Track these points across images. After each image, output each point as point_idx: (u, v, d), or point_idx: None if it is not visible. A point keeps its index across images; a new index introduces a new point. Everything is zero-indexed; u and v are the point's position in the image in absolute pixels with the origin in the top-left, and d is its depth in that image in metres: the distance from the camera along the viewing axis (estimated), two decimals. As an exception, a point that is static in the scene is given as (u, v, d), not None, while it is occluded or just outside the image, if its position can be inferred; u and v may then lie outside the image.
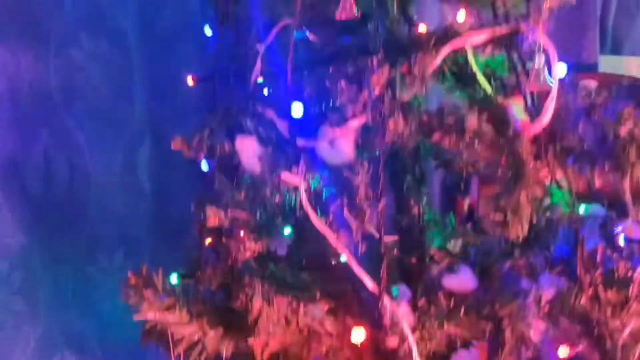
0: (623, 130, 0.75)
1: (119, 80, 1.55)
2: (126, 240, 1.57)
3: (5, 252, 1.45)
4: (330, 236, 0.82)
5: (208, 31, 1.18)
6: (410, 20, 0.96)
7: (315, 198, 0.83)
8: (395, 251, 0.99)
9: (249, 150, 0.87)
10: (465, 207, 1.40)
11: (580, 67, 2.38)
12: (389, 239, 1.01)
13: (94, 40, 1.52)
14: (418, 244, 1.11)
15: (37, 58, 1.46)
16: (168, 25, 1.62)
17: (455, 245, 1.12)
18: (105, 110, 1.54)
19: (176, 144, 0.98)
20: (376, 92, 0.80)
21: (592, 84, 2.35)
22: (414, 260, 1.10)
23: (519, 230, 0.76)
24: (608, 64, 2.47)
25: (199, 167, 1.38)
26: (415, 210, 1.11)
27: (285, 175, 0.84)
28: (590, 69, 2.40)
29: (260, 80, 1.02)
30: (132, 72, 1.57)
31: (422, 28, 0.94)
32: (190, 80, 1.21)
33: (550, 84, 0.82)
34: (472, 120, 0.78)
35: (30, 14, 1.45)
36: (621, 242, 0.87)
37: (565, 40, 2.35)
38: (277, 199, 0.86)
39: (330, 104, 0.87)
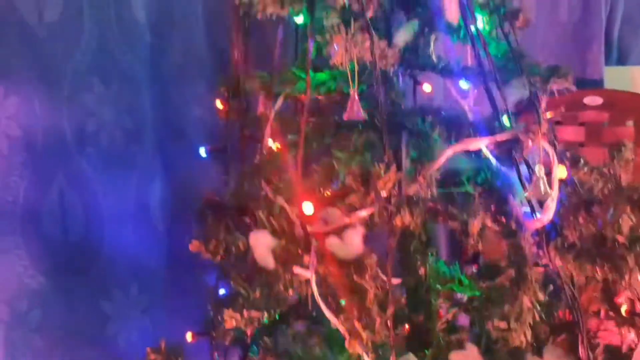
0: (621, 238, 0.79)
1: (130, 121, 1.59)
2: (140, 276, 1.62)
3: (24, 292, 1.50)
4: (343, 330, 0.86)
5: (219, 104, 1.22)
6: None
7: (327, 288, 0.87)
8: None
9: (262, 245, 0.91)
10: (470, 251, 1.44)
11: (584, 83, 2.39)
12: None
13: (105, 84, 1.55)
14: (425, 303, 1.15)
15: (51, 104, 1.50)
16: (177, 66, 1.65)
17: (462, 297, 1.16)
18: (118, 152, 1.58)
19: (194, 246, 1.02)
20: (384, 194, 0.83)
21: (596, 100, 2.37)
22: (421, 318, 1.14)
23: (522, 337, 0.80)
24: (614, 75, 2.47)
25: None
26: (422, 271, 1.15)
27: (297, 269, 0.88)
28: (595, 84, 2.41)
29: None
30: (142, 113, 1.61)
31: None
32: (203, 152, 1.25)
33: (550, 193, 0.85)
34: (476, 224, 0.82)
35: (43, 61, 1.48)
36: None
37: (569, 55, 2.36)
38: (290, 293, 0.90)
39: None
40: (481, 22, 0.98)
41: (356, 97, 0.89)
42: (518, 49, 1.01)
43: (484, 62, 0.97)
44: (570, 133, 2.11)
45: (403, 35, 1.00)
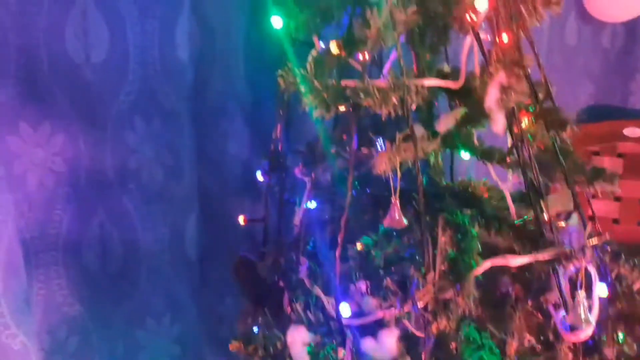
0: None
1: (169, 158, 1.63)
2: (173, 306, 1.69)
3: (63, 320, 1.57)
4: None
5: (260, 177, 1.26)
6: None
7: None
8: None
9: (299, 343, 0.95)
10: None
11: (626, 113, 2.36)
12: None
13: (146, 122, 1.59)
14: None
15: (95, 142, 1.55)
16: (217, 103, 1.68)
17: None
18: (157, 188, 1.63)
19: (233, 346, 1.07)
20: (421, 304, 0.87)
21: (637, 132, 2.32)
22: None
23: None
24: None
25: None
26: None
27: (333, 367, 0.93)
28: (637, 115, 2.36)
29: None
30: (182, 150, 1.65)
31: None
32: (241, 220, 1.29)
33: (590, 322, 0.87)
34: (514, 344, 0.85)
35: (89, 101, 1.52)
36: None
37: (611, 83, 2.33)
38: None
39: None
40: (525, 122, 1.00)
41: (397, 204, 0.92)
42: (565, 148, 1.02)
43: (527, 160, 0.98)
44: (608, 164, 2.10)
45: (447, 123, 1.03)
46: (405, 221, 0.92)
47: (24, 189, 1.48)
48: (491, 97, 0.90)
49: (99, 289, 1.60)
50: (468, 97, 0.99)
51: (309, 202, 1.20)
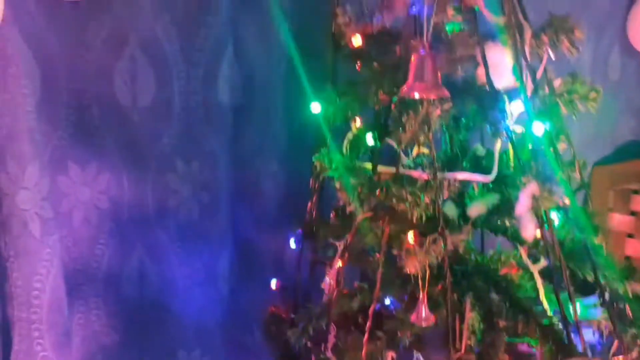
0: None
1: (206, 197, 1.70)
2: (203, 340, 1.76)
3: (99, 348, 1.66)
4: None
5: (292, 244, 1.32)
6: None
7: None
8: None
9: None
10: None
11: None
12: None
13: (186, 163, 1.66)
14: None
15: (137, 181, 1.62)
16: (254, 145, 1.75)
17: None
18: (193, 224, 1.70)
19: None
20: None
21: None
22: None
23: None
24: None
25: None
26: None
27: None
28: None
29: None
30: (218, 189, 1.72)
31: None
32: (273, 284, 1.35)
33: None
34: None
35: (134, 142, 1.60)
36: None
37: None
38: None
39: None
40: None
41: (425, 302, 0.97)
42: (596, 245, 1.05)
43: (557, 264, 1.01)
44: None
45: (478, 209, 1.07)
46: (432, 319, 0.97)
47: (69, 226, 1.56)
48: (522, 205, 0.95)
49: (135, 320, 1.68)
50: (500, 186, 1.03)
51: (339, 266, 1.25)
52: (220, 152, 1.71)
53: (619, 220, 2.19)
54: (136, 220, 1.64)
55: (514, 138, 0.97)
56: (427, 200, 0.95)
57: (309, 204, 1.38)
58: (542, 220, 0.98)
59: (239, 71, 1.70)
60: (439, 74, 0.92)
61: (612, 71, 2.22)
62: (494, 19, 0.98)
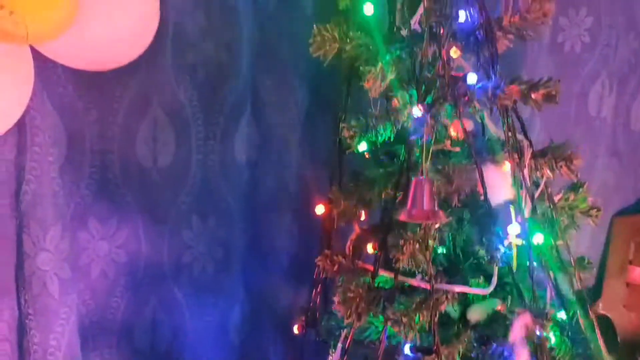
0: None
1: (220, 252, 1.76)
2: (213, 389, 1.81)
3: (111, 395, 1.71)
4: None
5: (296, 330, 1.35)
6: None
7: None
8: None
9: None
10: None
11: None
12: None
13: (202, 220, 1.72)
14: None
15: (154, 237, 1.68)
16: (269, 199, 1.80)
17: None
18: (206, 279, 1.75)
19: None
20: None
21: None
22: None
23: None
24: None
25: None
26: None
27: None
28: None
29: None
30: (232, 244, 1.77)
31: None
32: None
33: None
34: None
35: (153, 201, 1.65)
36: None
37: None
38: None
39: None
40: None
41: None
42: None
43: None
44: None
45: (478, 314, 1.10)
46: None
47: (87, 279, 1.62)
48: (515, 334, 0.98)
49: (147, 370, 1.73)
50: (501, 293, 1.07)
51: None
52: (236, 208, 1.76)
53: (639, 273, 2.19)
54: (151, 274, 1.70)
55: (511, 259, 1.00)
56: (422, 317, 0.98)
57: (313, 292, 1.42)
58: (536, 348, 1.01)
59: (256, 130, 1.75)
60: (436, 200, 0.96)
61: (634, 121, 2.24)
62: (496, 132, 1.02)
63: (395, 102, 1.13)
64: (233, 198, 1.75)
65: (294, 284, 1.83)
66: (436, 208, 0.96)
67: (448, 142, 1.03)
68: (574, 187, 1.12)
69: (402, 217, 0.97)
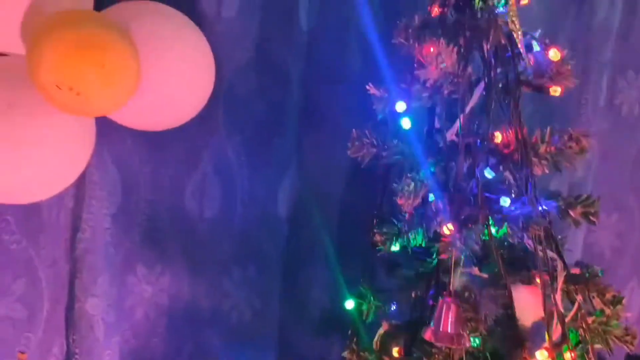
0: None
1: (258, 302, 1.82)
2: None
3: None
4: None
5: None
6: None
7: None
8: None
9: None
10: None
11: None
12: None
13: (242, 269, 1.79)
14: None
15: (195, 283, 1.76)
16: (305, 250, 1.85)
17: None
18: (243, 327, 1.82)
19: None
20: None
21: None
22: None
23: None
24: None
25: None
26: None
27: None
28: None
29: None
30: (270, 295, 1.83)
31: None
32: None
33: None
34: None
35: (195, 249, 1.73)
36: None
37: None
38: None
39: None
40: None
41: None
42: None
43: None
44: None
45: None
46: None
47: (130, 321, 1.70)
48: None
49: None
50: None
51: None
52: (274, 259, 1.82)
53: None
54: (190, 318, 1.77)
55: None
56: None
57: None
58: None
59: (298, 186, 1.82)
60: (462, 323, 0.99)
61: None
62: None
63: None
64: (272, 249, 1.81)
65: (327, 336, 1.88)
66: (462, 331, 0.98)
67: (476, 269, 1.06)
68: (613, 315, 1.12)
69: (427, 336, 1.01)
